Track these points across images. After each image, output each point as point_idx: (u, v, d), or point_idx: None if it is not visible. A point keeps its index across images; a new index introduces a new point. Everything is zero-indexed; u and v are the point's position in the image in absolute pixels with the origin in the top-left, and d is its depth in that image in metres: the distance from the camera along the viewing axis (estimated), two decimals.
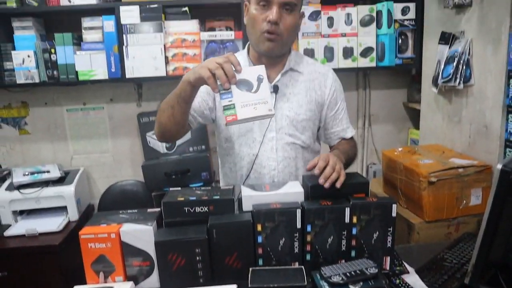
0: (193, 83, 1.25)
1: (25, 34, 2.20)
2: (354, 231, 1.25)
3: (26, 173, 2.24)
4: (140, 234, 1.19)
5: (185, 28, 2.21)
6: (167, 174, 2.27)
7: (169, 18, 2.21)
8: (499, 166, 1.01)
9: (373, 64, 2.30)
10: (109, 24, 2.16)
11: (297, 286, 1.10)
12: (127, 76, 2.21)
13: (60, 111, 2.53)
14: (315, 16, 2.20)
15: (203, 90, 1.45)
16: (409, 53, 2.31)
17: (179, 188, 1.36)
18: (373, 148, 2.69)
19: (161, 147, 2.33)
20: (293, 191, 1.30)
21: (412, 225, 1.68)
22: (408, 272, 1.28)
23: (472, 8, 1.75)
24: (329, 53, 2.26)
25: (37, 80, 2.21)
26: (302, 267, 1.18)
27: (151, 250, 1.17)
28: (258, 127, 1.47)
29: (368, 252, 1.24)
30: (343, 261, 1.23)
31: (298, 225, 1.21)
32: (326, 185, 1.24)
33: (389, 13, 2.21)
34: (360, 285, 1.09)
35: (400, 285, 1.20)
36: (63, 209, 2.20)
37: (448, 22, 1.92)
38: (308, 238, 1.22)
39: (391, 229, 1.26)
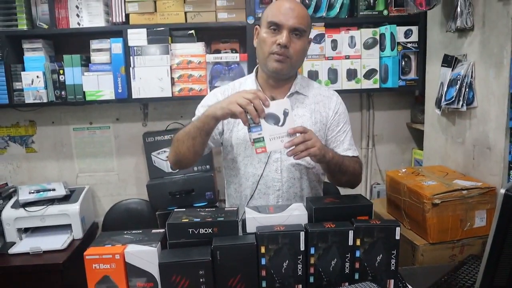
0: (219, 118, 1.32)
1: (35, 56, 2.24)
2: (357, 253, 1.25)
3: (32, 191, 2.26)
4: (144, 255, 1.20)
5: (191, 50, 2.24)
6: (171, 193, 2.27)
7: (175, 41, 2.25)
8: (502, 191, 1.01)
9: (377, 86, 2.32)
10: (116, 46, 2.20)
11: None
12: (134, 96, 2.24)
13: (66, 130, 2.56)
14: (319, 38, 2.24)
15: None
16: (412, 75, 2.33)
17: (184, 209, 1.37)
18: (377, 168, 2.69)
19: (166, 166, 2.34)
20: (296, 214, 1.30)
21: (416, 247, 1.67)
22: None
23: (474, 32, 1.77)
24: (333, 75, 2.28)
25: (45, 100, 2.24)
26: None
27: (155, 271, 1.18)
28: None
29: (371, 275, 1.23)
30: (347, 283, 1.22)
31: (302, 248, 1.21)
32: (289, 153, 1.28)
33: (392, 36, 2.23)
34: None
35: None
36: (67, 227, 2.21)
37: (451, 45, 1.94)
38: (312, 260, 1.22)
39: (395, 251, 1.26)
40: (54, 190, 2.30)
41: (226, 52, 2.33)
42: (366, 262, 1.24)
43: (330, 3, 2.21)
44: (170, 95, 2.25)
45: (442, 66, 1.97)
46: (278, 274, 1.21)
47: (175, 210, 1.35)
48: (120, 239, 1.29)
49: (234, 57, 2.26)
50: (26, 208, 2.16)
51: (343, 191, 1.75)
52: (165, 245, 1.25)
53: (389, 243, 1.25)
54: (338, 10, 2.21)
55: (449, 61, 1.91)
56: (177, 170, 2.33)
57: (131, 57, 2.21)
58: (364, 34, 2.28)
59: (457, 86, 1.81)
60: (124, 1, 2.21)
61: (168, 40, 2.21)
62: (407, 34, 2.27)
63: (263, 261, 1.20)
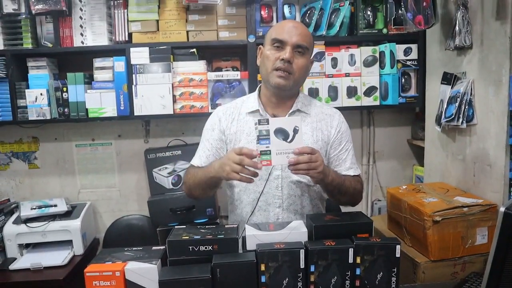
0: (226, 179, 1.41)
1: (39, 73, 2.26)
2: (358, 271, 1.25)
3: (34, 207, 2.26)
4: (145, 272, 1.20)
5: (192, 68, 2.27)
6: (172, 210, 2.27)
7: (177, 59, 2.28)
8: (502, 209, 1.02)
9: (377, 103, 2.33)
10: (119, 64, 2.22)
11: None
12: (136, 113, 2.25)
13: (69, 146, 2.57)
14: (319, 56, 2.26)
15: (216, 142, 1.58)
16: (412, 92, 2.35)
17: (184, 226, 1.37)
18: (377, 185, 2.68)
19: (167, 183, 2.35)
20: (296, 231, 1.30)
21: (417, 264, 1.66)
22: None
23: (473, 51, 1.79)
24: (333, 92, 2.30)
25: (48, 117, 2.26)
26: None
27: None
28: (264, 166, 1.50)
29: None
30: None
31: (302, 265, 1.21)
32: (291, 167, 1.30)
33: (392, 53, 2.25)
34: None
35: None
36: (68, 243, 2.20)
37: (450, 63, 1.96)
38: (312, 278, 1.22)
39: (395, 269, 1.26)
40: (55, 206, 2.30)
41: (227, 70, 2.36)
42: (367, 280, 1.24)
43: (330, 22, 2.24)
44: (172, 112, 2.26)
45: (441, 83, 1.99)
46: None
47: (175, 227, 1.36)
48: (120, 256, 1.29)
49: (235, 75, 2.28)
50: (28, 224, 2.16)
51: (344, 208, 1.75)
52: (166, 262, 1.25)
53: (389, 261, 1.25)
54: (338, 29, 2.24)
55: (449, 79, 1.93)
56: (177, 183, 2.37)
57: (134, 75, 2.23)
58: (364, 52, 2.31)
59: (457, 104, 1.82)
60: (127, 21, 2.24)
61: (170, 58, 2.24)
62: (407, 52, 2.29)
63: (263, 279, 1.20)
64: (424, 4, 1.83)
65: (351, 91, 2.31)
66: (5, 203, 2.36)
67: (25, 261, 2.11)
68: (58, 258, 2.12)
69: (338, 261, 1.23)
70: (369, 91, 2.32)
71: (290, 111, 1.54)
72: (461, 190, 1.89)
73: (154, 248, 1.35)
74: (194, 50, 2.28)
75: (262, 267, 1.20)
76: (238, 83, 2.29)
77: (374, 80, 2.32)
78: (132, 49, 2.22)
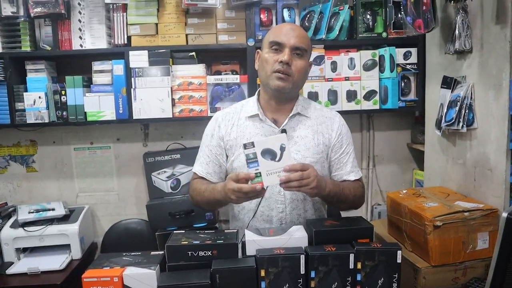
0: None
1: (38, 77, 2.25)
2: (358, 277, 1.24)
3: (32, 211, 2.24)
4: (143, 278, 1.19)
5: (192, 71, 2.26)
6: (171, 214, 2.26)
7: (176, 62, 2.27)
8: (505, 215, 1.01)
9: (377, 107, 2.33)
10: (118, 67, 2.21)
11: None
12: (134, 117, 2.24)
13: (67, 150, 2.56)
14: (319, 60, 2.26)
15: (215, 149, 1.58)
16: (412, 96, 2.34)
17: (183, 231, 1.36)
18: (377, 189, 2.67)
19: (166, 187, 2.34)
20: (296, 236, 1.30)
21: (418, 269, 1.65)
22: None
23: (473, 55, 1.79)
24: (332, 96, 2.29)
25: (46, 120, 2.25)
26: None
27: None
28: None
29: None
30: None
31: (302, 271, 1.21)
32: (282, 185, 1.29)
33: (392, 57, 2.25)
34: None
35: None
36: (66, 247, 2.18)
37: (450, 67, 1.96)
38: (312, 284, 1.21)
39: (397, 275, 1.25)
40: (53, 209, 2.28)
41: (226, 74, 2.35)
42: (367, 286, 1.23)
43: (329, 26, 2.24)
44: (171, 116, 2.25)
45: (441, 87, 1.98)
46: None
47: (174, 232, 1.35)
48: (118, 261, 1.29)
49: (235, 78, 2.27)
50: (25, 228, 2.14)
51: (344, 212, 1.74)
52: (164, 267, 1.25)
53: (390, 266, 1.25)
54: (337, 33, 2.23)
55: (449, 83, 1.92)
56: (176, 187, 2.37)
57: (132, 78, 2.22)
58: (364, 55, 2.30)
59: (457, 108, 1.81)
60: (126, 24, 2.23)
61: (169, 62, 2.23)
62: (406, 55, 2.28)
63: (263, 285, 1.20)
64: (424, 8, 1.82)
65: (351, 95, 2.30)
66: (3, 207, 2.34)
67: (22, 265, 2.09)
68: (55, 262, 2.10)
69: (338, 267, 1.23)
70: (368, 95, 2.31)
71: (290, 114, 1.53)
72: (462, 195, 1.88)
73: (152, 253, 1.34)
74: (193, 53, 2.27)
75: (262, 273, 1.20)
76: (237, 87, 2.29)
77: (373, 84, 2.31)
78: (131, 53, 2.22)
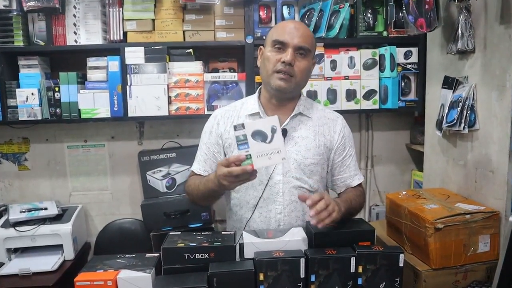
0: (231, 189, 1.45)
1: (31, 72, 2.22)
2: (359, 281, 1.22)
3: (23, 210, 2.21)
4: (138, 281, 1.16)
5: (189, 69, 2.23)
6: (166, 214, 2.22)
7: (173, 59, 2.24)
8: (511, 219, 0.98)
9: (376, 107, 2.31)
10: (113, 64, 2.18)
11: None
12: (130, 115, 2.21)
13: (60, 148, 2.52)
14: (318, 59, 2.23)
15: (213, 146, 1.55)
16: (412, 96, 2.32)
17: (179, 233, 1.33)
18: (376, 190, 2.65)
19: (161, 186, 2.30)
20: (296, 239, 1.27)
21: (418, 272, 1.62)
22: None
23: (475, 55, 1.77)
24: (332, 95, 2.27)
25: (39, 117, 2.21)
26: None
27: None
28: (265, 170, 1.47)
29: None
30: None
31: (302, 275, 1.19)
32: (314, 222, 1.23)
33: (392, 56, 2.23)
34: None
35: None
36: (59, 247, 2.15)
37: (451, 67, 1.93)
38: None
39: (398, 279, 1.23)
40: (46, 209, 2.25)
41: (224, 72, 2.32)
42: None
43: (329, 24, 2.22)
44: (167, 114, 2.22)
45: (442, 87, 1.95)
46: None
47: (170, 233, 1.32)
48: (112, 263, 1.26)
49: (232, 76, 2.24)
50: (17, 228, 2.10)
51: None
52: (160, 270, 1.22)
53: (392, 270, 1.23)
54: (337, 31, 2.21)
55: (450, 83, 1.90)
56: (171, 187, 2.34)
57: (128, 75, 2.19)
58: (364, 54, 2.28)
59: (459, 108, 1.79)
60: (122, 19, 2.20)
61: (166, 59, 2.20)
62: (407, 55, 2.26)
63: None
64: (426, 7, 1.80)
65: (350, 94, 2.28)
66: None
67: (13, 266, 2.05)
68: (47, 263, 2.06)
69: (339, 271, 1.21)
70: (368, 95, 2.29)
71: (292, 114, 1.50)
72: (462, 197, 1.86)
73: (147, 255, 1.31)
74: (191, 50, 2.24)
75: (261, 276, 1.17)
76: (235, 85, 2.25)
77: (373, 83, 2.29)
78: (127, 49, 2.18)
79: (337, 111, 1.67)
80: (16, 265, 2.04)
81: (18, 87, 2.21)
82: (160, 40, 2.22)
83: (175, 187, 2.32)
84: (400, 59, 2.26)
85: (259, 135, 1.25)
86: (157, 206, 2.25)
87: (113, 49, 2.20)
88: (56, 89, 2.20)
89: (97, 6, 2.20)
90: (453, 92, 1.87)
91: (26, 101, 2.19)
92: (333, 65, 2.27)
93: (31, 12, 2.16)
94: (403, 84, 2.29)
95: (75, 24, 2.20)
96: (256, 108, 1.52)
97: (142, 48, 2.19)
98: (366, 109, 2.33)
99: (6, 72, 2.20)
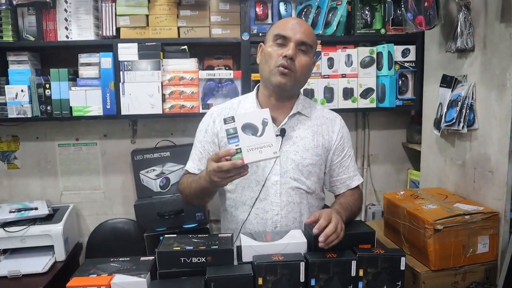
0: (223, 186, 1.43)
1: (20, 69, 2.17)
2: (360, 285, 1.21)
3: (13, 210, 2.17)
4: (133, 286, 1.13)
5: (183, 66, 2.19)
6: (160, 214, 2.19)
7: (167, 56, 2.20)
8: None
9: (373, 105, 2.29)
10: (106, 60, 2.14)
11: None
12: (123, 113, 2.17)
13: (51, 146, 2.47)
14: (315, 56, 2.19)
15: (209, 145, 1.52)
16: (409, 95, 2.31)
17: (175, 235, 1.30)
18: (372, 189, 2.64)
19: (155, 186, 2.26)
20: (295, 241, 1.24)
21: (417, 274, 1.61)
22: None
23: (475, 53, 1.75)
24: (329, 93, 2.25)
25: (29, 115, 2.16)
26: None
27: None
28: (262, 170, 1.44)
29: None
30: None
31: (302, 279, 1.16)
32: (322, 245, 1.19)
33: (390, 54, 2.21)
34: None
35: None
36: (49, 248, 2.10)
37: (450, 65, 1.92)
38: None
39: (400, 283, 1.21)
40: (36, 209, 2.20)
41: (219, 69, 2.28)
42: None
43: (327, 21, 2.19)
44: (161, 112, 2.19)
45: (440, 86, 1.94)
46: None
47: (165, 236, 1.29)
48: (106, 267, 1.22)
49: (228, 74, 2.21)
50: (6, 228, 2.05)
51: None
52: (155, 275, 1.19)
53: (393, 273, 1.21)
54: (335, 28, 2.19)
55: (448, 82, 1.88)
56: (165, 186, 2.31)
57: (121, 72, 2.15)
58: (361, 52, 2.26)
59: (458, 108, 1.77)
60: (115, 15, 2.16)
61: (160, 56, 2.16)
62: (405, 53, 2.25)
63: None
64: (426, 4, 1.77)
65: (347, 93, 2.26)
66: None
67: (2, 268, 2.00)
68: (38, 265, 2.02)
69: (340, 274, 1.19)
70: (365, 93, 2.27)
71: (290, 113, 1.48)
72: (460, 196, 1.85)
73: (142, 258, 1.28)
74: (185, 47, 2.20)
75: (260, 281, 1.15)
76: (230, 83, 2.22)
77: (371, 81, 2.27)
78: (120, 45, 2.15)
79: (334, 109, 1.64)
80: (5, 267, 2.00)
81: (7, 83, 2.16)
82: (154, 36, 2.18)
83: (169, 187, 2.28)
84: (397, 57, 2.25)
85: (249, 128, 1.22)
86: (151, 206, 2.21)
87: (106, 45, 2.16)
88: (47, 86, 2.15)
89: (89, 0, 2.15)
90: (451, 91, 1.86)
91: (16, 98, 2.14)
92: (330, 63, 2.24)
93: (21, 6, 2.11)
94: (400, 82, 2.28)
95: (66, 19, 2.15)
96: (254, 106, 1.49)
97: (135, 45, 2.15)
98: (363, 108, 2.31)
99: None
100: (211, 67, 2.31)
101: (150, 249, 2.15)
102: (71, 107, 2.17)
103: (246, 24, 2.19)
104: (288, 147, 1.45)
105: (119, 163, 2.50)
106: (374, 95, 2.28)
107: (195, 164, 1.54)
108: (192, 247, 1.20)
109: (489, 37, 1.67)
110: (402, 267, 1.21)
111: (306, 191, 1.47)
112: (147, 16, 2.18)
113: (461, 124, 1.77)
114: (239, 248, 1.22)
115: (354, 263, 1.18)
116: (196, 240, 1.25)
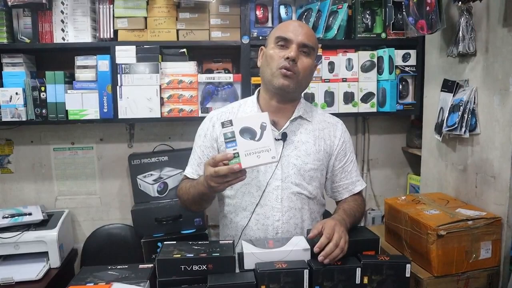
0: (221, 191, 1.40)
1: (15, 71, 2.14)
2: None
3: (6, 215, 2.12)
4: None
5: (182, 69, 2.17)
6: (157, 219, 2.15)
7: (166, 59, 2.18)
8: None
9: (374, 110, 2.28)
10: (103, 63, 2.11)
11: None
12: (120, 116, 2.14)
13: (46, 150, 2.43)
14: (316, 60, 2.19)
15: (208, 150, 1.50)
16: (409, 99, 2.30)
17: (175, 242, 1.27)
18: (371, 194, 2.63)
19: (152, 191, 2.23)
20: (299, 249, 1.22)
21: (420, 280, 1.59)
22: None
23: (477, 58, 1.74)
24: (329, 97, 2.23)
25: (24, 118, 2.13)
26: None
27: None
28: (262, 175, 1.41)
29: None
30: None
31: (306, 287, 1.14)
32: (326, 261, 1.17)
33: (391, 59, 2.21)
34: None
35: None
36: (44, 255, 2.06)
37: (451, 70, 1.91)
38: None
39: None
40: (30, 214, 2.16)
41: (218, 72, 2.26)
42: None
43: (327, 25, 2.18)
44: (159, 116, 2.16)
45: (441, 91, 1.93)
46: None
47: (165, 243, 1.26)
48: (103, 275, 1.19)
49: (227, 77, 2.19)
50: None
51: None
52: (154, 283, 1.16)
53: (398, 281, 1.20)
54: (335, 32, 2.18)
55: (450, 86, 1.87)
56: (163, 191, 2.28)
57: (119, 75, 2.12)
58: (362, 56, 2.25)
59: (460, 112, 1.75)
60: (113, 17, 2.14)
61: (158, 58, 2.14)
62: (405, 57, 2.24)
63: None
64: (428, 8, 1.76)
65: (348, 97, 2.25)
66: None
67: None
68: (32, 271, 1.98)
69: (344, 282, 1.17)
70: (366, 97, 2.27)
71: (292, 117, 1.46)
72: (461, 202, 1.83)
73: (141, 266, 1.25)
74: (184, 50, 2.18)
75: None
76: (230, 86, 2.20)
77: (371, 86, 2.26)
78: (117, 48, 2.12)
79: (334, 114, 1.63)
80: None
81: (2, 86, 2.13)
82: (153, 39, 2.16)
83: (167, 192, 2.25)
84: (398, 61, 2.24)
85: (247, 132, 1.20)
86: (148, 211, 2.18)
87: (103, 47, 2.14)
88: (42, 88, 2.12)
89: (86, 2, 2.13)
90: (453, 96, 1.84)
91: (10, 101, 2.11)
92: (331, 67, 2.23)
93: (16, 7, 2.09)
94: (401, 87, 2.27)
95: (62, 21, 2.12)
96: (254, 110, 1.47)
97: (133, 47, 2.13)
98: (364, 112, 2.30)
99: None
100: (210, 71, 2.29)
101: (147, 255, 2.11)
102: (67, 111, 2.14)
103: (246, 27, 2.18)
104: (290, 151, 1.42)
105: (116, 167, 2.47)
106: (374, 100, 2.27)
107: (194, 169, 1.51)
108: (192, 255, 1.17)
109: (491, 41, 1.66)
110: (407, 274, 1.19)
111: (307, 196, 1.45)
112: (145, 18, 2.16)
113: (463, 129, 1.76)
114: (240, 255, 1.19)
115: (358, 271, 1.16)
116: (196, 247, 1.22)
